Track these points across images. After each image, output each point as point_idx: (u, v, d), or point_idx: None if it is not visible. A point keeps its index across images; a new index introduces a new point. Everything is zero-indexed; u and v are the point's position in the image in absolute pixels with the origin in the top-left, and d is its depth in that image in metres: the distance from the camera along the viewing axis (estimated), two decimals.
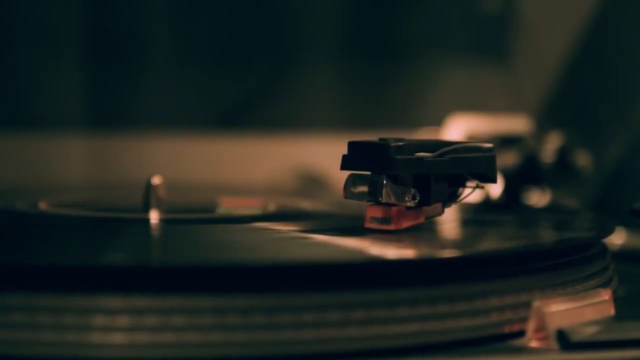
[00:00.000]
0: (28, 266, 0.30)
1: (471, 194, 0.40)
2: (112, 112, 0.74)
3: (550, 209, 0.56)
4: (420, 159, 0.37)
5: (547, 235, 0.44)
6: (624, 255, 0.49)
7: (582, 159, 0.59)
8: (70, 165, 0.71)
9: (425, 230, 0.39)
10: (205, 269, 0.31)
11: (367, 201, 0.38)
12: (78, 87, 0.72)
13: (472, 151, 0.39)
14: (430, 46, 0.77)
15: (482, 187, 0.40)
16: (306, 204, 0.52)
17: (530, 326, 0.33)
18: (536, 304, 0.33)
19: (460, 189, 0.40)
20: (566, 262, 0.36)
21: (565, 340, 0.32)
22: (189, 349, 0.29)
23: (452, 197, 0.40)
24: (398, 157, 0.37)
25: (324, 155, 0.68)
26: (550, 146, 0.58)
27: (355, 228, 0.38)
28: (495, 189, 0.57)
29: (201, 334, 0.29)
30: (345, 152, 0.38)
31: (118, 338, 0.29)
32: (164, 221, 0.43)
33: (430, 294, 0.32)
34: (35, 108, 0.72)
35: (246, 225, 0.42)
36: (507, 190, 0.57)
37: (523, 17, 0.77)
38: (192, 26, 0.75)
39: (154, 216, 0.44)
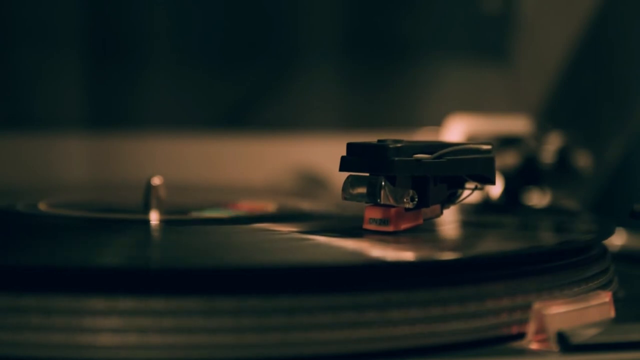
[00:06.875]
0: (20, 268, 0.30)
1: (470, 196, 0.40)
2: (112, 112, 0.73)
3: (550, 209, 0.56)
4: (419, 160, 0.37)
5: (547, 237, 0.44)
6: (624, 256, 0.49)
7: (582, 160, 0.59)
8: (70, 165, 0.71)
9: (424, 232, 0.39)
10: (199, 271, 0.31)
11: (366, 202, 0.38)
12: (78, 87, 0.71)
13: (470, 153, 0.39)
14: (430, 46, 0.77)
15: (481, 189, 0.40)
16: (306, 205, 0.52)
17: (531, 328, 0.32)
18: (536, 306, 0.33)
19: (459, 191, 0.40)
20: (566, 264, 0.36)
21: (565, 343, 0.31)
22: (176, 350, 0.29)
23: (450, 198, 0.40)
24: (397, 158, 0.37)
25: (324, 155, 0.68)
26: (550, 147, 0.58)
27: (354, 229, 0.38)
28: (495, 190, 0.56)
29: (188, 336, 0.29)
30: (345, 153, 0.38)
31: (107, 340, 0.29)
32: (163, 222, 0.43)
33: (430, 297, 0.32)
34: (35, 108, 0.72)
35: (245, 226, 0.42)
36: (507, 191, 0.57)
37: (523, 17, 0.77)
38: (191, 26, 0.75)
39: (154, 217, 0.44)
